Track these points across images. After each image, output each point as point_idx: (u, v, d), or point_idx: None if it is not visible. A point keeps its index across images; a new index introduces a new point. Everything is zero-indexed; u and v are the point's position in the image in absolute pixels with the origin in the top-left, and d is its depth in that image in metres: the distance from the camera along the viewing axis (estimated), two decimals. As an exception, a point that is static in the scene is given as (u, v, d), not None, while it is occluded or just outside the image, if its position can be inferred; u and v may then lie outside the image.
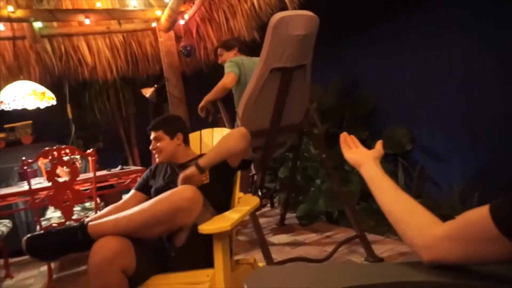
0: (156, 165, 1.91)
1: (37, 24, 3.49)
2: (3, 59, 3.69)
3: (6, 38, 3.58)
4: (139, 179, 1.91)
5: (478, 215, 0.62)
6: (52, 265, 2.71)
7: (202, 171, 1.60)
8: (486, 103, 2.62)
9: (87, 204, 3.09)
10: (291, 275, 0.75)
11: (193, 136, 2.05)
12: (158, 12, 3.76)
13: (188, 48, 3.92)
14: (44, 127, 4.65)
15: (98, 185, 2.79)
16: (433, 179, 3.04)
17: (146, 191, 1.81)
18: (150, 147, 1.83)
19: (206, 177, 1.62)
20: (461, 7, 2.67)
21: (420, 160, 3.11)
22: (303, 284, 0.67)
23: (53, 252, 1.37)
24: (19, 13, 3.22)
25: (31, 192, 2.47)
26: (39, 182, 2.93)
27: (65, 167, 2.56)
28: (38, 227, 2.46)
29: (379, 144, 1.01)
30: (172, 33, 3.96)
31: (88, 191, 2.70)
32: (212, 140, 2.06)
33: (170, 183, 1.68)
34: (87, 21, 3.55)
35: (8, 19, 3.20)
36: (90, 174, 2.93)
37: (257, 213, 2.94)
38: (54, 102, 3.28)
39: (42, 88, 3.19)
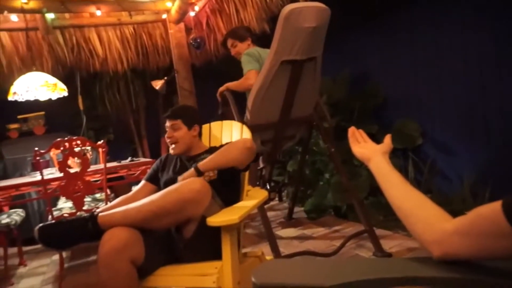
0: (166, 155, 1.91)
1: (50, 16, 3.53)
2: (16, 50, 3.74)
3: (19, 30, 3.62)
4: (149, 170, 1.92)
5: (490, 211, 0.61)
6: (64, 254, 2.76)
7: (200, 175, 1.59)
8: (499, 96, 2.57)
9: (98, 195, 3.13)
10: (299, 269, 0.74)
11: (203, 129, 2.05)
12: (168, 4, 3.76)
13: (198, 40, 3.91)
14: (56, 118, 4.71)
15: (108, 176, 2.83)
16: (443, 174, 3.01)
17: (156, 182, 1.82)
18: (166, 135, 1.80)
19: (214, 174, 1.60)
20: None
21: (430, 154, 3.07)
22: (311, 278, 0.67)
23: (64, 242, 1.40)
24: (32, 4, 3.25)
25: (43, 182, 2.51)
26: (51, 173, 2.97)
27: (76, 158, 2.59)
28: (50, 217, 2.51)
29: (388, 138, 1.00)
30: (182, 25, 3.95)
31: (98, 182, 2.73)
32: (221, 133, 2.06)
33: (180, 176, 1.68)
34: (98, 13, 3.57)
35: (21, 10, 3.23)
36: (101, 166, 2.96)
37: (265, 206, 2.95)
38: (65, 94, 3.32)
39: (54, 80, 3.22)
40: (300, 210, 3.48)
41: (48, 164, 3.69)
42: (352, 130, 1.07)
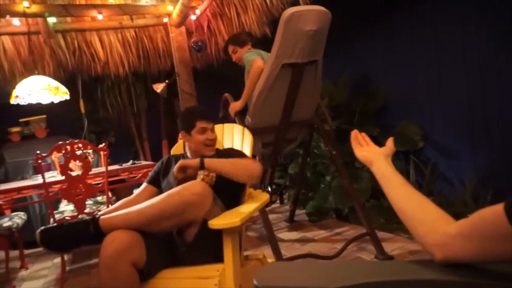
0: (167, 157, 1.92)
1: (51, 20, 3.55)
2: (18, 54, 3.75)
3: (22, 33, 3.65)
4: (150, 173, 1.92)
5: (492, 214, 0.61)
6: (65, 257, 2.77)
7: (203, 168, 1.58)
8: (500, 99, 2.56)
9: (99, 198, 3.14)
10: (300, 272, 0.74)
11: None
12: (169, 7, 3.77)
13: (199, 43, 3.92)
14: (57, 121, 4.72)
15: (110, 179, 2.83)
16: (445, 177, 3.00)
17: (158, 184, 1.82)
18: (209, 137, 1.78)
19: (213, 178, 1.57)
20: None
21: (432, 157, 3.06)
22: (312, 281, 0.67)
23: (65, 244, 1.40)
24: (34, 8, 3.27)
25: (45, 185, 2.51)
26: (52, 176, 2.98)
27: (77, 161, 2.60)
28: (51, 219, 2.51)
29: (390, 142, 1.00)
30: (183, 28, 3.96)
31: (100, 185, 2.73)
32: (223, 135, 2.07)
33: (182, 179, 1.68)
34: (100, 17, 3.58)
35: (23, 14, 3.25)
36: (102, 169, 2.96)
37: (267, 209, 2.94)
38: (67, 97, 3.33)
39: (56, 83, 3.23)
40: (302, 212, 3.48)
41: (49, 167, 3.69)
42: (354, 133, 1.07)
